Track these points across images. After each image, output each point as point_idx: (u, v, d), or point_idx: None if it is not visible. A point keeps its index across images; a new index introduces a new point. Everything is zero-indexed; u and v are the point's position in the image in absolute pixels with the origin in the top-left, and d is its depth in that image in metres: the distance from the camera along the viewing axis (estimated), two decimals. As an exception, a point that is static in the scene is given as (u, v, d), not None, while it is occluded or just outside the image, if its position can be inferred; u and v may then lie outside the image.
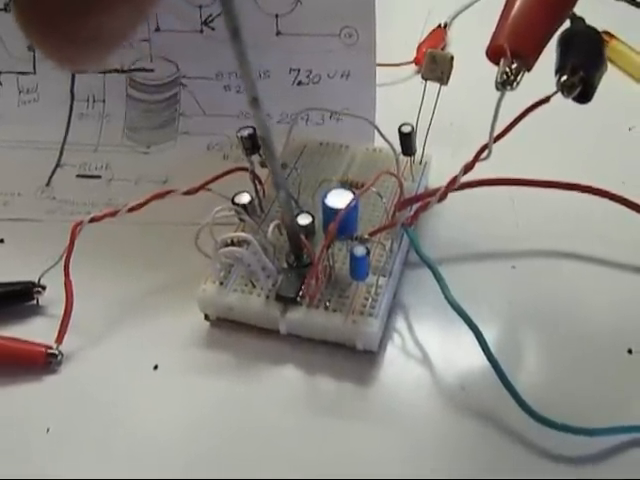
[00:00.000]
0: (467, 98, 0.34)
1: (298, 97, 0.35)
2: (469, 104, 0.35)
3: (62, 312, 0.29)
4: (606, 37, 0.41)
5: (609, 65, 0.40)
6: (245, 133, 0.28)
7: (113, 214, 0.29)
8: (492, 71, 0.25)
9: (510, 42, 0.23)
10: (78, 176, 0.36)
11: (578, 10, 0.26)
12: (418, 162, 0.32)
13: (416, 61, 0.40)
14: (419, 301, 0.29)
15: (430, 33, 0.42)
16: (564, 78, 0.23)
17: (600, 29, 0.42)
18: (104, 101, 0.37)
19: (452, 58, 0.29)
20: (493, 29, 0.25)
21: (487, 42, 0.25)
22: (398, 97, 0.37)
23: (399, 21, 0.42)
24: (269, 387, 0.27)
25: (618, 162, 0.34)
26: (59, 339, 0.28)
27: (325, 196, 0.26)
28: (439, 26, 0.42)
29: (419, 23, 0.43)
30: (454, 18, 0.43)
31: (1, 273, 0.30)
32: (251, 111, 0.23)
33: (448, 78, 0.29)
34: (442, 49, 0.41)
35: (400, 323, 0.29)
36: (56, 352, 0.28)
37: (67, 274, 0.29)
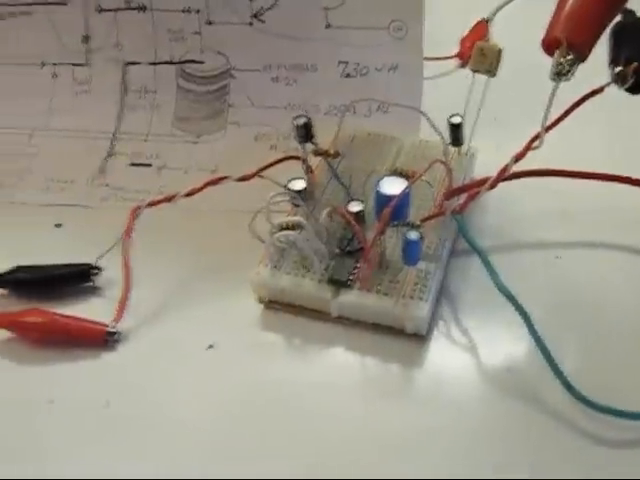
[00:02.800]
0: (510, 92, 0.35)
1: (346, 89, 0.35)
2: (512, 98, 0.35)
3: (117, 293, 0.30)
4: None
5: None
6: (300, 122, 0.29)
7: (170, 199, 0.30)
8: (534, 65, 0.25)
9: (566, 33, 0.23)
10: (130, 165, 0.37)
11: (629, 3, 0.26)
12: (465, 153, 0.33)
13: (459, 55, 0.41)
14: (465, 287, 0.30)
15: (473, 27, 0.42)
16: (619, 69, 0.24)
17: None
18: (155, 92, 0.38)
19: (500, 51, 0.29)
20: (536, 21, 0.25)
21: (530, 36, 0.25)
22: (440, 91, 0.38)
23: (441, 15, 0.43)
24: (319, 368, 0.28)
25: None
26: (117, 318, 0.29)
27: (378, 184, 0.27)
28: (482, 20, 0.43)
29: (461, 17, 0.43)
30: (496, 13, 0.43)
31: (59, 255, 0.32)
32: None
33: (496, 70, 0.30)
34: (484, 43, 0.42)
35: (447, 308, 0.29)
36: (114, 331, 0.29)
37: (126, 255, 0.30)
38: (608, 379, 0.27)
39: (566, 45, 0.23)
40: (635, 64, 0.23)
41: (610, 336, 0.28)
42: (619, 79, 0.24)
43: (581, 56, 0.23)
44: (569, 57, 0.23)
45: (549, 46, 0.24)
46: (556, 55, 0.23)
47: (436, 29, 0.40)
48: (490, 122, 0.36)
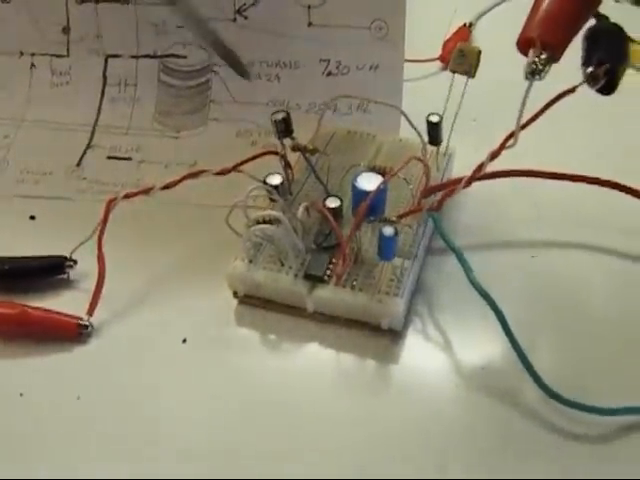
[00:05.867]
0: (490, 96, 0.35)
1: (327, 87, 0.36)
2: (492, 101, 0.36)
3: (91, 286, 0.30)
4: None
5: (631, 69, 0.41)
6: (279, 117, 0.29)
7: (147, 191, 0.30)
8: (514, 70, 0.26)
9: (540, 34, 0.24)
10: (109, 158, 0.37)
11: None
12: (443, 153, 0.33)
13: (441, 58, 0.41)
14: (441, 284, 0.30)
15: (455, 31, 0.43)
16: (590, 69, 0.24)
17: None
18: (136, 85, 0.38)
19: (480, 52, 0.30)
20: (517, 28, 0.26)
21: (511, 42, 0.26)
22: (422, 92, 0.38)
23: (425, 19, 0.43)
24: (295, 363, 0.28)
25: (637, 160, 0.35)
26: (90, 311, 0.29)
27: (355, 179, 0.27)
28: (464, 25, 0.43)
29: (445, 21, 0.44)
30: (479, 18, 0.44)
31: (31, 248, 0.31)
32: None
33: (475, 71, 0.30)
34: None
35: (423, 305, 0.30)
36: (87, 324, 0.29)
37: (100, 247, 0.30)
38: (580, 376, 0.27)
39: (539, 45, 0.23)
40: (606, 65, 0.24)
41: (583, 334, 0.29)
42: (591, 80, 0.24)
43: (554, 56, 0.24)
44: (542, 57, 0.24)
45: (523, 46, 0.24)
46: (530, 54, 0.24)
47: (419, 33, 0.41)
48: (470, 123, 0.36)
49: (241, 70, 0.28)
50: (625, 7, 0.46)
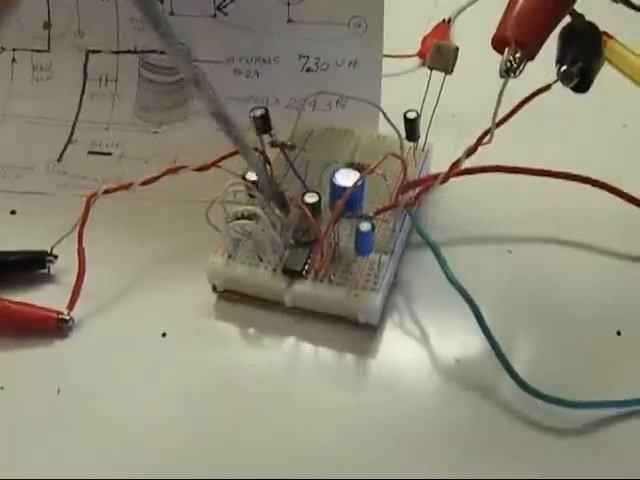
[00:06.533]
0: (469, 92, 0.36)
1: (306, 83, 0.36)
2: (471, 98, 0.36)
3: (72, 281, 0.30)
4: (604, 37, 0.42)
5: (607, 65, 0.42)
6: (257, 113, 0.30)
7: (127, 187, 0.30)
8: (493, 66, 0.26)
9: (515, 32, 0.24)
10: (89, 153, 0.37)
11: (577, 10, 0.27)
12: (421, 149, 0.33)
13: (420, 54, 0.42)
14: (418, 280, 0.31)
15: (434, 27, 0.43)
16: (564, 68, 0.25)
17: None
18: (116, 81, 0.38)
19: (457, 49, 0.30)
20: (496, 24, 0.26)
21: (490, 38, 0.26)
22: (401, 88, 0.38)
23: (404, 14, 0.43)
24: (273, 357, 0.28)
25: (611, 155, 0.36)
26: (70, 305, 0.29)
27: (333, 175, 0.28)
28: (443, 21, 0.44)
29: (423, 17, 0.44)
30: (458, 14, 0.44)
31: (12, 243, 0.31)
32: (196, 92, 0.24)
33: (453, 68, 0.30)
34: (445, 44, 0.43)
35: (400, 300, 0.30)
36: (67, 317, 0.29)
37: (80, 242, 0.30)
38: (556, 370, 0.28)
39: (514, 44, 0.24)
40: (580, 64, 0.24)
41: (558, 328, 0.29)
42: (565, 78, 0.24)
43: (529, 54, 0.24)
44: (517, 55, 0.24)
45: (499, 44, 0.25)
46: (505, 53, 0.24)
47: (398, 29, 0.41)
48: (448, 119, 0.37)
49: (285, 209, 0.29)
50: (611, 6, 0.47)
